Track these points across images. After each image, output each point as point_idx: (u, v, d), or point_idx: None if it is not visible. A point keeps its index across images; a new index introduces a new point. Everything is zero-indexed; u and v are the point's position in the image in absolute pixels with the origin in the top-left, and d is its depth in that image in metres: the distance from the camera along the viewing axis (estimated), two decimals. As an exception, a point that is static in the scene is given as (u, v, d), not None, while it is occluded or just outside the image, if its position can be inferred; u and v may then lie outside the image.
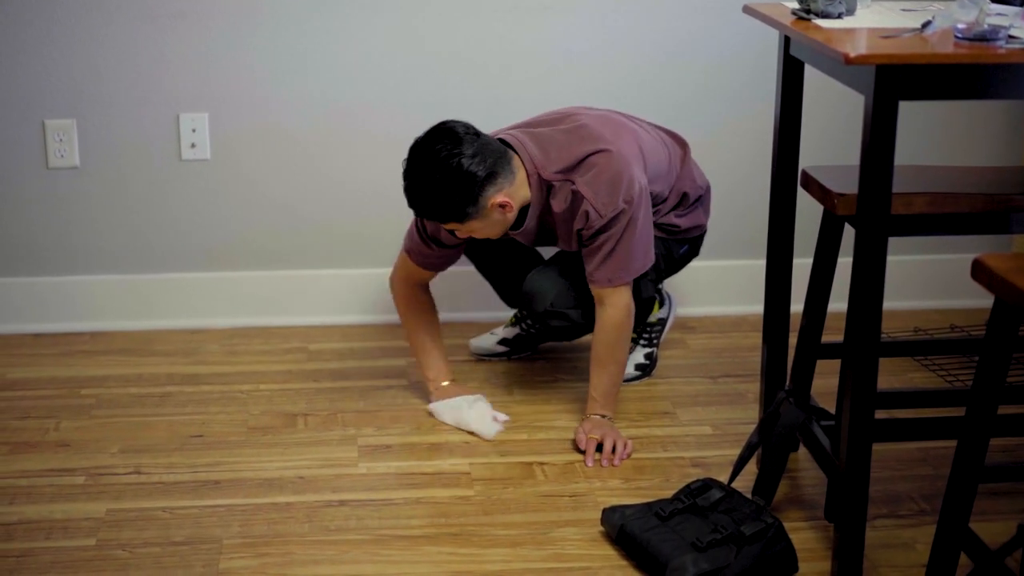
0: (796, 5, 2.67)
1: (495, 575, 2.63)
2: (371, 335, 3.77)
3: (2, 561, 2.66)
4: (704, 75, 3.79)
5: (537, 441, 3.17)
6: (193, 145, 3.74)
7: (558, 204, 3.09)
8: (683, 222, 3.35)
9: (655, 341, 3.55)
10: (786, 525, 2.67)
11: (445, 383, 3.32)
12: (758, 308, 3.11)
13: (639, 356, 3.51)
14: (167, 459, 3.07)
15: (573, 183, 3.06)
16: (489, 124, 3.27)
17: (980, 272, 2.06)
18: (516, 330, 3.63)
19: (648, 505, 2.73)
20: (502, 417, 3.24)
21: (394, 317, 3.81)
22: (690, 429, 3.24)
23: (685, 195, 3.34)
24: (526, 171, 3.07)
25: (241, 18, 3.65)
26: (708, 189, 3.43)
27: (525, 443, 3.15)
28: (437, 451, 3.12)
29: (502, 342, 3.63)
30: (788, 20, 2.63)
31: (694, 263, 3.70)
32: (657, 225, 3.28)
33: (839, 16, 2.59)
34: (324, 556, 2.68)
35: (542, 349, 3.66)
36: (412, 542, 2.74)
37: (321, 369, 3.56)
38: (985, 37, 2.33)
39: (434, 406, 3.29)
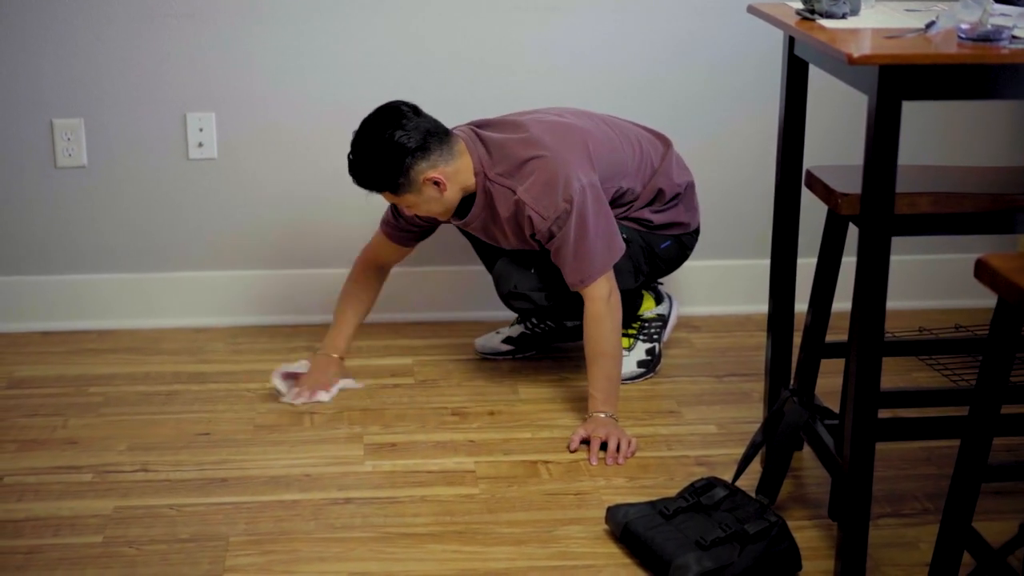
0: (800, 5, 2.67)
1: (499, 573, 2.64)
2: (377, 333, 3.78)
3: (10, 558, 2.67)
4: (708, 75, 3.80)
5: (542, 440, 3.18)
6: (200, 144, 3.75)
7: (503, 210, 3.20)
8: (657, 218, 3.39)
9: (655, 337, 3.56)
10: (790, 524, 2.68)
11: (333, 354, 3.45)
12: (763, 307, 3.11)
13: (640, 352, 3.52)
14: (174, 457, 3.09)
15: (515, 192, 3.17)
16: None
17: (983, 272, 2.07)
18: (521, 328, 3.64)
19: (652, 503, 2.74)
20: (322, 396, 3.36)
21: (399, 315, 3.85)
22: (695, 428, 3.25)
23: (660, 192, 3.38)
24: (474, 167, 3.20)
25: (248, 18, 3.66)
26: (690, 187, 3.46)
27: (530, 441, 3.16)
28: (442, 449, 3.13)
29: (507, 341, 3.64)
30: (792, 20, 2.64)
31: (700, 262, 3.71)
32: (631, 219, 3.35)
33: (843, 16, 2.60)
34: (330, 553, 2.69)
35: (546, 348, 3.67)
36: (417, 540, 2.75)
37: (327, 367, 3.58)
38: (988, 37, 2.34)
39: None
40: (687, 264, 3.70)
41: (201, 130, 3.73)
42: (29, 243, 3.79)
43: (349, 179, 3.55)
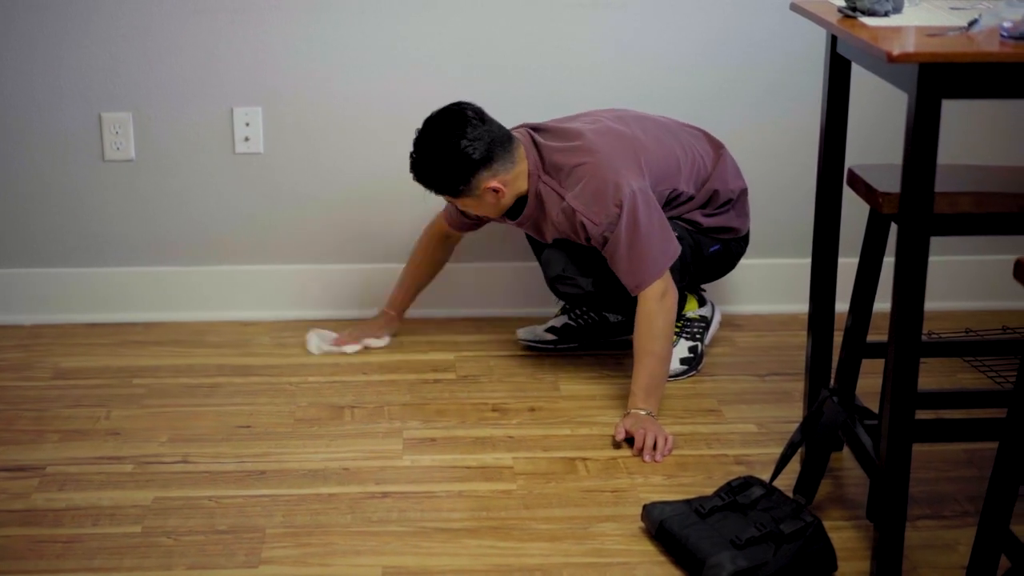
0: (843, 3, 2.65)
1: (534, 569, 2.64)
2: (419, 329, 3.78)
3: (50, 546, 2.70)
4: (749, 73, 3.77)
5: (580, 436, 3.17)
6: (247, 139, 3.77)
7: (554, 215, 3.26)
8: (707, 221, 3.40)
9: (698, 336, 3.55)
10: (828, 524, 2.67)
11: (391, 311, 3.68)
12: (807, 307, 3.09)
13: (683, 350, 3.51)
14: (214, 449, 3.11)
15: (563, 199, 3.23)
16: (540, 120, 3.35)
17: (1022, 272, 2.05)
18: (565, 319, 3.64)
19: (688, 502, 2.73)
20: (341, 348, 3.61)
21: (442, 311, 3.86)
22: (735, 427, 3.24)
23: (715, 194, 3.39)
24: (529, 169, 3.27)
25: (295, 13, 3.68)
26: (743, 193, 3.46)
27: (568, 438, 3.16)
28: (481, 445, 3.13)
29: (550, 330, 3.64)
30: (835, 18, 2.62)
31: (744, 260, 3.69)
32: (682, 219, 3.37)
33: (886, 14, 2.58)
34: (365, 547, 2.70)
35: (588, 344, 3.66)
36: (453, 535, 2.75)
37: (369, 362, 3.59)
38: (1031, 36, 2.32)
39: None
40: (731, 262, 3.69)
41: (248, 124, 3.76)
42: (77, 236, 3.82)
43: (395, 174, 3.57)
